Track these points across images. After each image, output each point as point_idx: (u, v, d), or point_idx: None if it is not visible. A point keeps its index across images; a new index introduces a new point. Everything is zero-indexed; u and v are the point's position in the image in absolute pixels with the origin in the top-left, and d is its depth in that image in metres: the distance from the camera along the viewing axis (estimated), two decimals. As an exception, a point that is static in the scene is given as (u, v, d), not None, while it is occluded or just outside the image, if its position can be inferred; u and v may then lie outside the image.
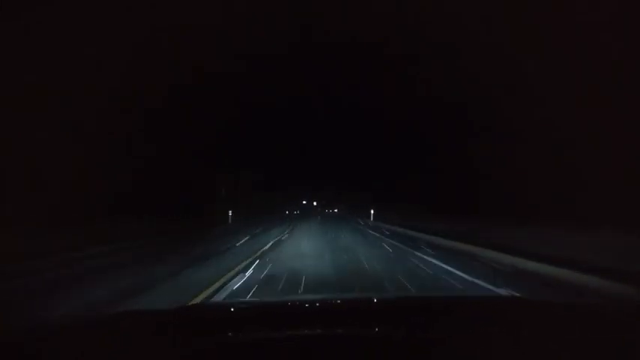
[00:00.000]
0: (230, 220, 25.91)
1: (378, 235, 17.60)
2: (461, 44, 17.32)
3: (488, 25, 15.07)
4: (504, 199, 15.00)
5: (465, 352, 1.02)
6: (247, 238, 14.98)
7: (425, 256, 9.65)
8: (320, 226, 24.70)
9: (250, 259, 8.73)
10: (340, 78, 36.69)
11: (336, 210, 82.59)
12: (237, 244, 12.60)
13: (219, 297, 5.19)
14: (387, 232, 18.55)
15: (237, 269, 7.37)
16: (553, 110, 13.19)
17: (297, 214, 66.34)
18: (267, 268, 7.46)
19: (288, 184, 72.35)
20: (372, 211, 30.15)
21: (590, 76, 11.65)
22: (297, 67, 33.79)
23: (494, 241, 10.01)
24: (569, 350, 1.03)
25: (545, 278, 6.38)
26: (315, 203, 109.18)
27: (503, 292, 5.52)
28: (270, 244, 12.77)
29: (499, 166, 15.63)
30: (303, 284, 5.95)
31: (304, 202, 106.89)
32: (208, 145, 26.60)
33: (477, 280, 6.41)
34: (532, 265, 7.00)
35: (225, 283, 6.02)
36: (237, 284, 5.98)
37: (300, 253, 10.11)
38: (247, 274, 6.87)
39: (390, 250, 11.35)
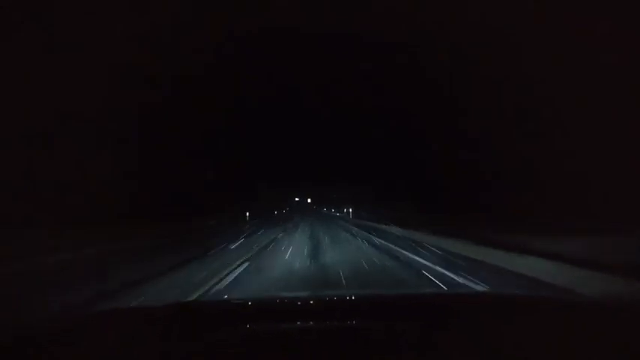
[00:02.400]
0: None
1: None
2: (464, 44, 17.30)
3: (491, 25, 15.05)
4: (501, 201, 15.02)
5: (461, 348, 1.02)
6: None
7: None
8: None
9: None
10: (340, 76, 36.68)
11: (348, 210, 46.99)
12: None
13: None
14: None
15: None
16: (559, 111, 13.20)
17: (285, 212, 58.84)
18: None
19: (277, 182, 69.23)
20: None
21: (596, 78, 11.67)
22: (297, 65, 33.76)
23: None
24: (566, 347, 1.02)
25: None
26: (309, 200, 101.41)
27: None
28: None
29: (499, 167, 15.64)
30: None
31: (297, 199, 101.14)
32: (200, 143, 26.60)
33: None
34: None
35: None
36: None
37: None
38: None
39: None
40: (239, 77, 28.12)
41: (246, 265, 7.83)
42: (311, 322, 1.34)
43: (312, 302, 1.73)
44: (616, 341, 1.05)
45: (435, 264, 7.72)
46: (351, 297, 1.93)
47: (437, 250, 9.82)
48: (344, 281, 6.09)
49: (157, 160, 19.41)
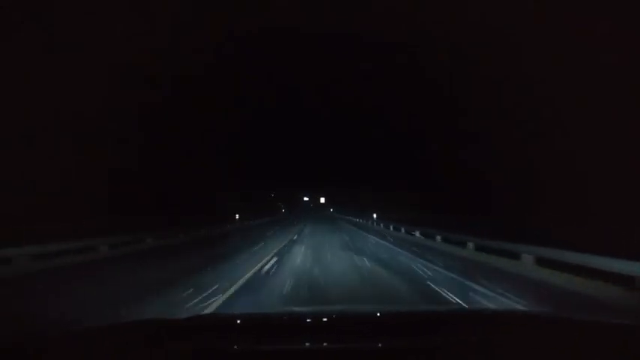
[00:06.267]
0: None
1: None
2: (464, 44, 17.29)
3: (491, 25, 15.04)
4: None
5: None
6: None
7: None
8: None
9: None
10: (340, 76, 36.69)
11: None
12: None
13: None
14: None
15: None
16: (559, 112, 13.20)
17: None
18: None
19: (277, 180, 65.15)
20: None
21: (596, 78, 11.66)
22: (297, 65, 33.77)
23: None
24: None
25: None
26: (322, 200, 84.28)
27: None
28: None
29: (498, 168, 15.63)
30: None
31: (306, 198, 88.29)
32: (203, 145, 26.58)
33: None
34: None
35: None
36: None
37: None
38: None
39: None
40: (239, 77, 28.15)
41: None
42: (325, 343, 1.28)
43: (324, 319, 1.68)
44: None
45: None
46: (364, 313, 1.90)
47: None
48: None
49: (157, 160, 19.40)
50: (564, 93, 12.96)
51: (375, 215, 26.91)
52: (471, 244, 10.12)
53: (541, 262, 7.24)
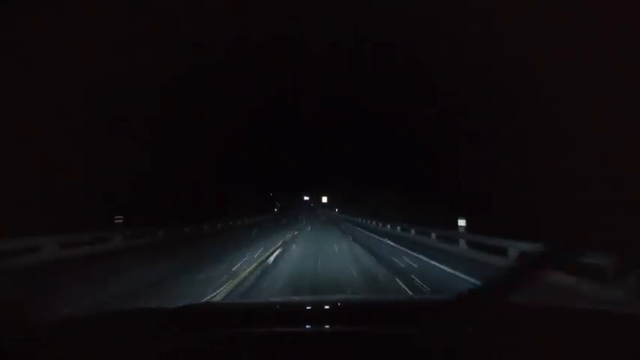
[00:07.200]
0: None
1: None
2: (465, 44, 17.22)
3: (491, 25, 14.98)
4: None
5: (461, 354, 1.02)
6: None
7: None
8: None
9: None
10: (340, 77, 36.63)
11: None
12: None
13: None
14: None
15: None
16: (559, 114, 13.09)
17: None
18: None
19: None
20: None
21: (598, 79, 11.57)
22: (296, 66, 33.76)
23: None
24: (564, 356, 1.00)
25: None
26: (324, 199, 77.45)
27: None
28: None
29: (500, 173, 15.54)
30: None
31: (306, 197, 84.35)
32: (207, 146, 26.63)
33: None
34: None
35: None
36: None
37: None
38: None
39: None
40: (239, 79, 28.23)
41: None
42: (326, 326, 1.28)
43: (327, 307, 1.66)
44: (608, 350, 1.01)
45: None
46: (357, 302, 1.91)
47: None
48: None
49: (159, 162, 19.48)
50: (565, 92, 12.87)
51: (463, 222, 13.61)
52: None
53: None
